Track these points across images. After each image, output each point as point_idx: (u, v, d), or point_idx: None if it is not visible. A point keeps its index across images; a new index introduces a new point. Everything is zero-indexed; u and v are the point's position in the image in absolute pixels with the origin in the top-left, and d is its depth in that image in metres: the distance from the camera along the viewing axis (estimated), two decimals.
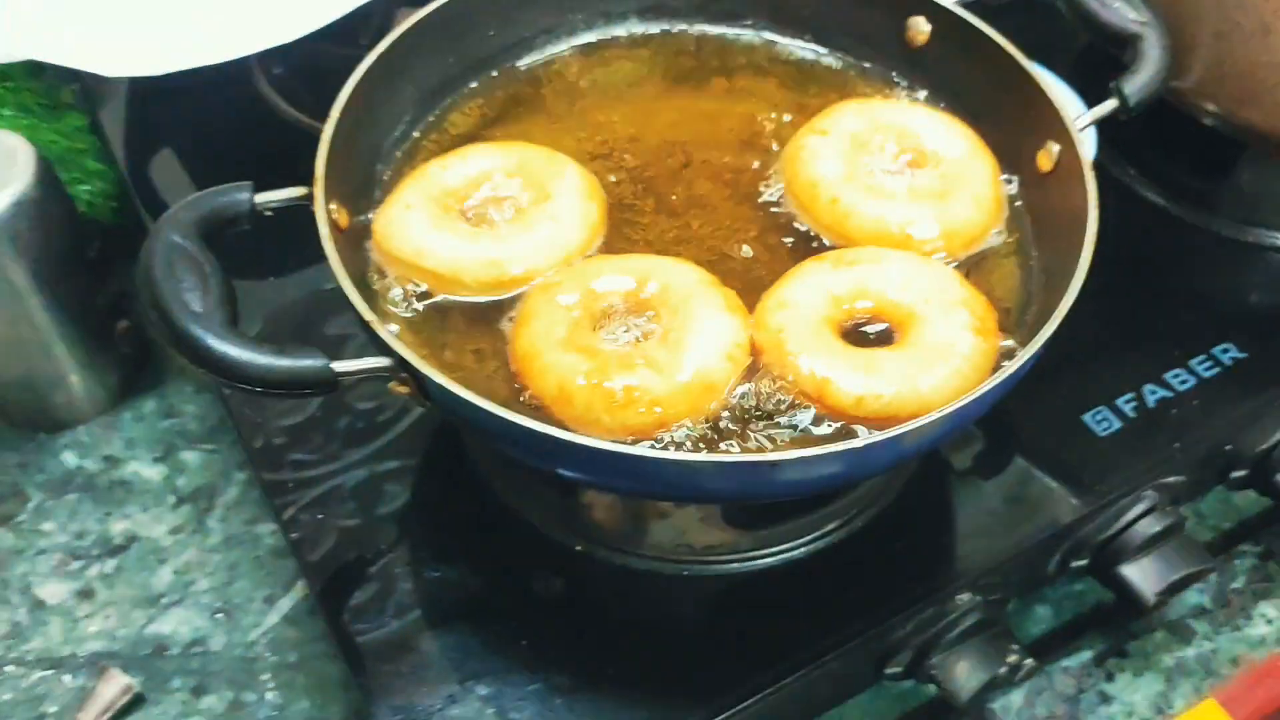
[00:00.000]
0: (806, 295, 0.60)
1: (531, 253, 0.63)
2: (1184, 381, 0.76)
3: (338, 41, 0.79)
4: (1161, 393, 0.75)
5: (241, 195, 0.57)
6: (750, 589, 0.66)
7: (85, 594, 0.77)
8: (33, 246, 0.77)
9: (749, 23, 0.77)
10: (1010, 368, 0.55)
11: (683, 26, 0.78)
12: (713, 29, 0.78)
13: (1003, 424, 0.73)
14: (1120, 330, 0.78)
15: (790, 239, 0.67)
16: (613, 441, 0.52)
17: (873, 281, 0.60)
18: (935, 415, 0.52)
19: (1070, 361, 0.75)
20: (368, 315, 0.54)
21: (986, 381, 0.54)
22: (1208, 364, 0.76)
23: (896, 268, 0.61)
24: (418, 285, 0.63)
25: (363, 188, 0.66)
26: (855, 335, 0.61)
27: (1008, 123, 0.70)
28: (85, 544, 0.79)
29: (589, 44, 0.77)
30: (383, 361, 0.53)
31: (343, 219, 0.62)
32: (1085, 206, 0.61)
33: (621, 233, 0.67)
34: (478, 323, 0.62)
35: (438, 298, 0.63)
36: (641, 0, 0.76)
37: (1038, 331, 0.57)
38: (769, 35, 0.77)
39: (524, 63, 0.75)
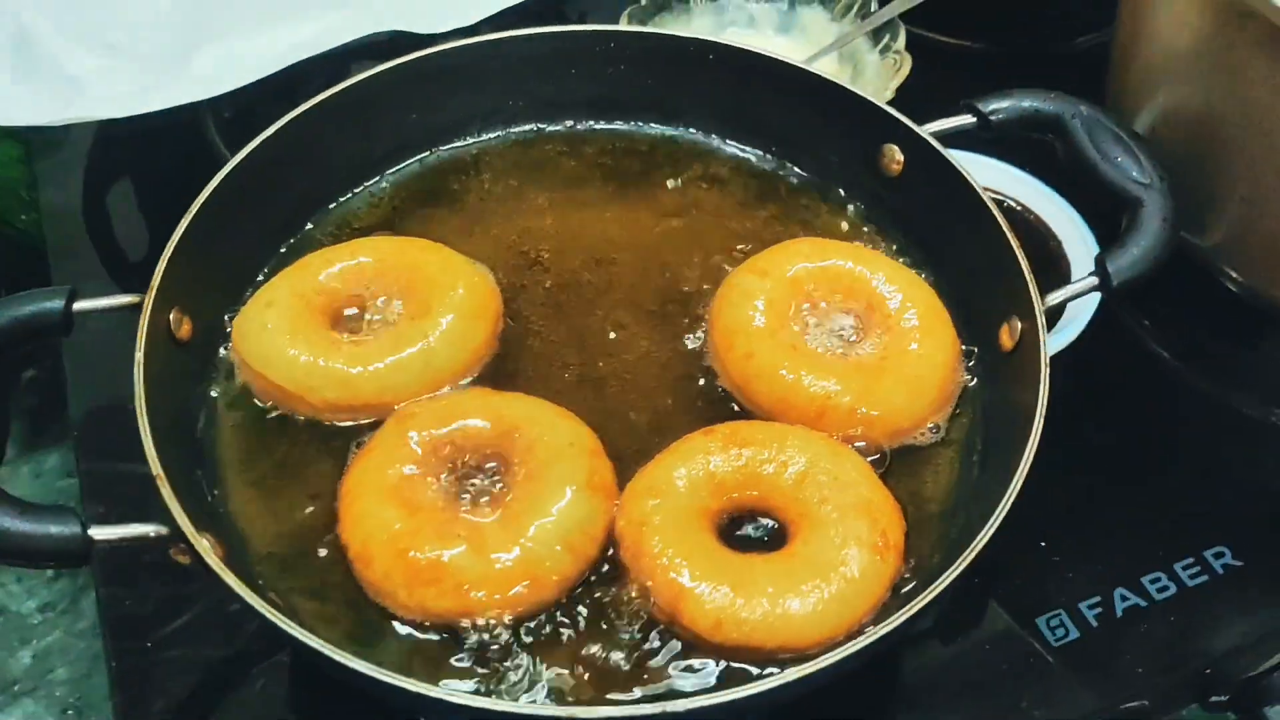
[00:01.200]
0: (684, 479, 0.51)
1: (392, 376, 0.55)
2: (1163, 589, 0.65)
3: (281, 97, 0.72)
4: (1134, 600, 0.65)
5: (53, 304, 0.51)
6: None
7: None
8: None
9: (711, 127, 0.69)
10: (875, 632, 0.46)
11: (636, 124, 0.69)
12: (669, 130, 0.69)
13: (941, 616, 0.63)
14: (1098, 515, 0.68)
15: (705, 399, 0.58)
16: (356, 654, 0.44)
17: (765, 468, 0.52)
18: (737, 694, 0.43)
19: (1031, 546, 0.65)
20: (155, 467, 0.46)
21: (839, 649, 0.45)
22: (1195, 570, 0.66)
23: (795, 454, 0.52)
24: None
25: (229, 286, 0.59)
26: (737, 533, 0.52)
27: (976, 283, 0.60)
28: None
29: (527, 134, 0.69)
30: (152, 530, 0.45)
31: (184, 328, 0.55)
32: (1034, 406, 0.51)
33: (514, 356, 0.60)
34: (324, 442, 0.55)
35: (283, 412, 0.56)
36: (592, 90, 0.68)
37: (950, 562, 0.48)
38: (732, 143, 0.69)
39: (449, 149, 0.68)
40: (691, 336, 0.61)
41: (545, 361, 0.60)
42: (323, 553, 0.52)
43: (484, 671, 0.48)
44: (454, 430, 0.53)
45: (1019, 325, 0.56)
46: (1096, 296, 0.69)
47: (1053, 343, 0.69)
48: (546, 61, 0.67)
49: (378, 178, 0.66)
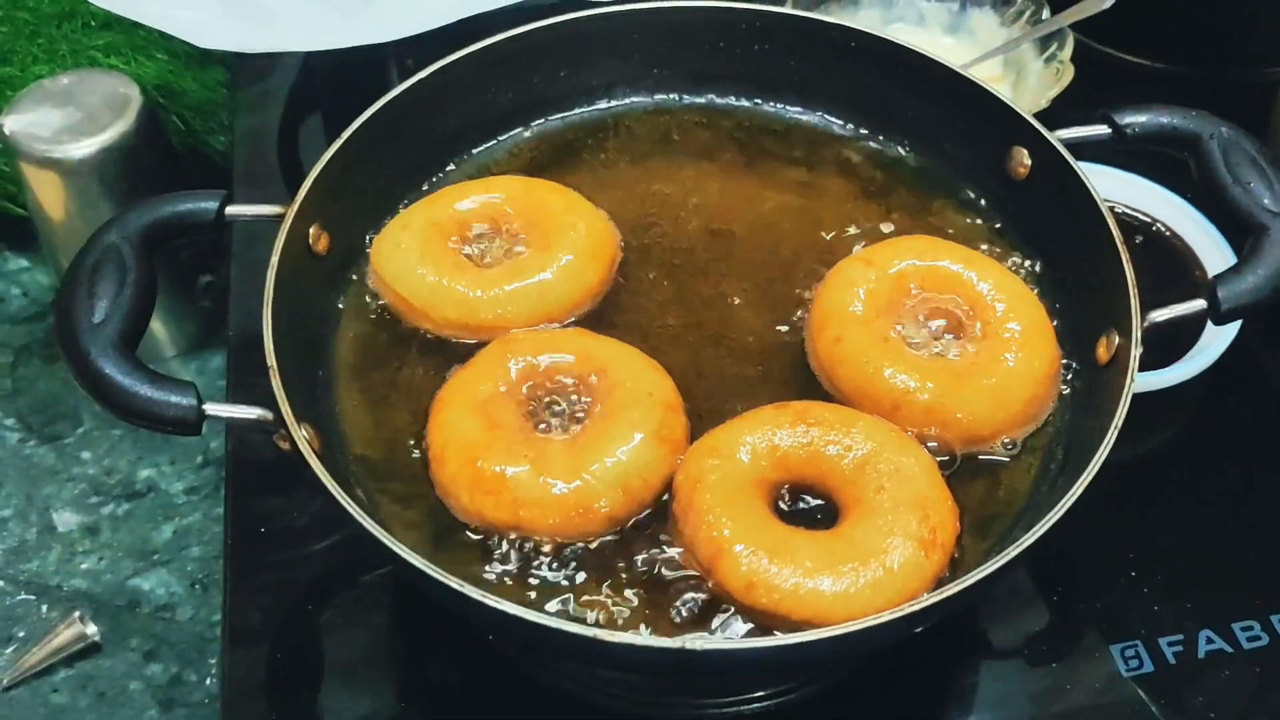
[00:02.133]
0: (749, 446, 0.53)
1: (506, 303, 0.59)
2: (1254, 638, 0.63)
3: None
4: (1220, 644, 0.63)
5: (208, 204, 0.56)
6: None
7: (92, 530, 0.80)
8: (120, 190, 0.80)
9: (847, 115, 0.70)
10: (882, 616, 0.46)
11: (775, 105, 0.71)
12: (806, 113, 0.70)
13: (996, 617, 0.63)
14: (1197, 552, 0.66)
15: (793, 377, 0.60)
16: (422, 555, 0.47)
17: (829, 449, 0.53)
18: (754, 645, 0.46)
19: (1120, 573, 0.64)
20: (270, 359, 0.51)
21: (862, 619, 0.46)
22: None
23: (861, 440, 0.53)
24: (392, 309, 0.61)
25: (370, 211, 0.64)
26: (792, 507, 0.54)
27: (1085, 294, 0.60)
28: (110, 482, 0.82)
29: (669, 103, 0.71)
30: (256, 413, 0.50)
31: (321, 242, 0.60)
32: (1108, 427, 0.51)
33: (620, 306, 0.62)
34: (431, 359, 0.59)
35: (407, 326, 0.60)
36: (741, 67, 0.70)
37: (991, 557, 0.48)
38: (864, 132, 0.70)
39: (593, 109, 0.71)
40: (793, 317, 0.62)
41: (647, 316, 0.62)
42: (413, 457, 0.55)
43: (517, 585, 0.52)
44: (548, 361, 0.56)
45: (1116, 340, 0.55)
46: (1235, 327, 0.68)
47: (1179, 371, 0.68)
48: (697, 34, 0.69)
49: (521, 128, 0.69)
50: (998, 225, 0.65)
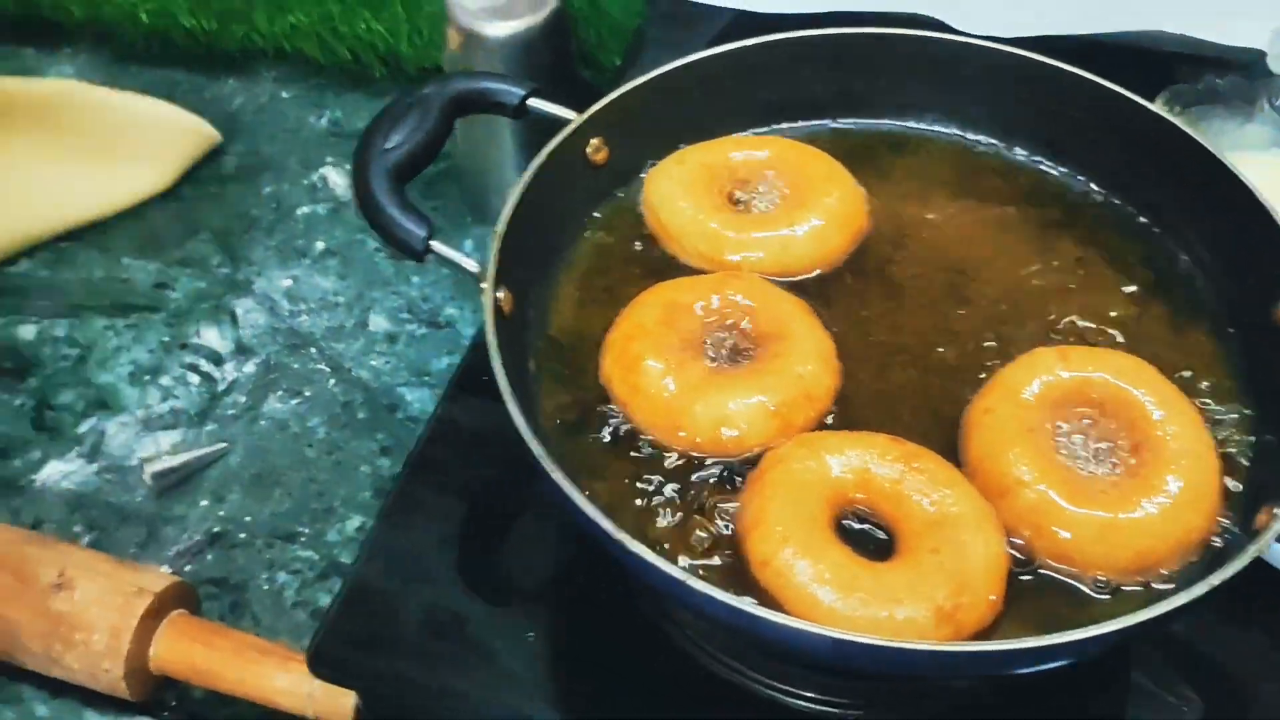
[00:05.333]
0: (844, 458, 0.56)
1: (752, 246, 0.65)
2: None
3: None
4: None
5: (516, 90, 0.66)
6: None
7: (392, 338, 0.95)
8: (515, 73, 0.93)
9: (1149, 212, 0.68)
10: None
11: (1081, 179, 0.70)
12: (1109, 200, 0.70)
13: None
14: None
15: (933, 427, 0.60)
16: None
17: (915, 494, 0.55)
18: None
19: None
20: (500, 226, 0.60)
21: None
22: None
23: (949, 502, 0.54)
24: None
25: (654, 140, 0.71)
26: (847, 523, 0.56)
27: None
28: (423, 307, 0.96)
29: (973, 143, 0.73)
30: (472, 264, 0.60)
31: (600, 154, 0.68)
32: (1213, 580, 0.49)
33: (836, 294, 0.66)
34: (654, 279, 0.65)
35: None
36: (1067, 136, 0.70)
37: None
38: (1157, 232, 0.68)
39: (898, 125, 0.74)
40: (978, 376, 0.62)
41: (853, 314, 0.65)
42: (592, 345, 0.63)
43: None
44: (747, 304, 0.62)
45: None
46: None
47: None
48: (1035, 89, 0.70)
49: (828, 119, 0.74)
50: (1236, 367, 0.62)
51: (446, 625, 0.65)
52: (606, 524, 0.50)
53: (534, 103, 0.66)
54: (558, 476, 0.51)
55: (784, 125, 0.74)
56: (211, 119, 1.09)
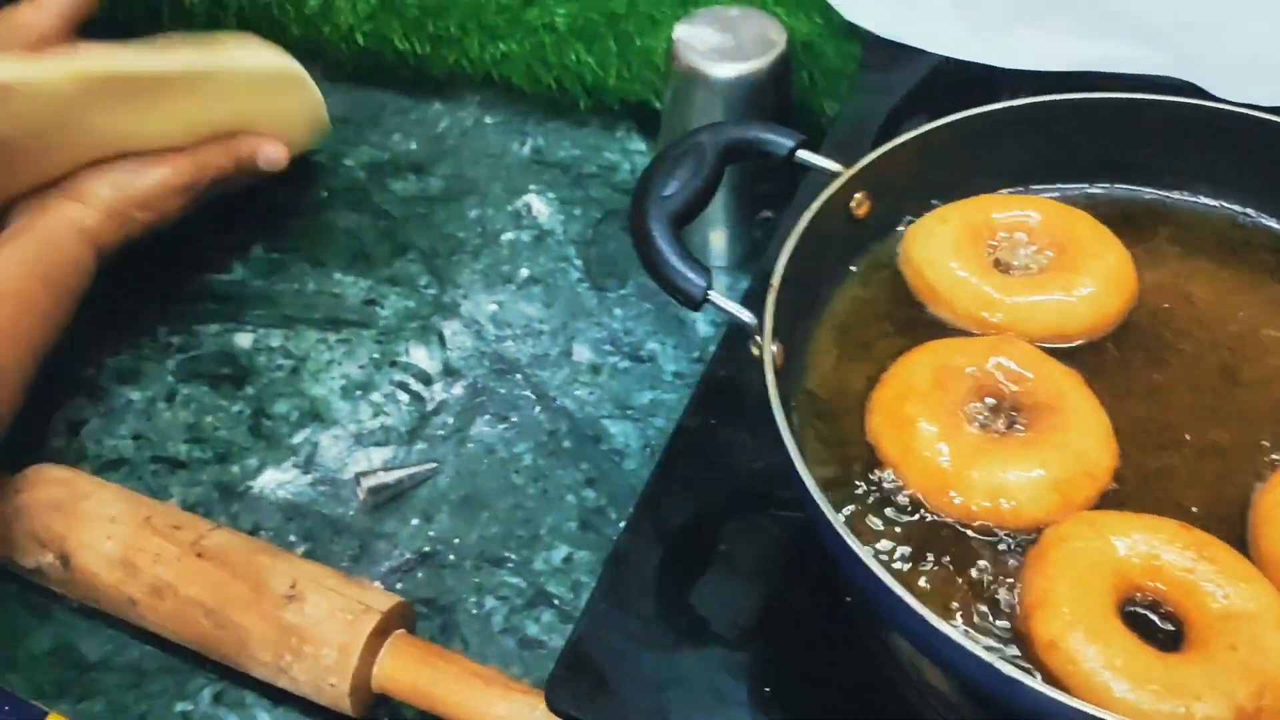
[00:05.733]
0: (1130, 540, 0.55)
1: (1023, 310, 0.65)
2: None
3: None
4: None
5: (785, 141, 0.66)
6: None
7: (595, 369, 0.95)
8: (737, 115, 0.93)
9: None
10: None
11: None
12: None
13: None
14: None
15: (1209, 512, 0.59)
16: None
17: (1207, 585, 0.54)
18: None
19: None
20: (775, 278, 0.60)
21: None
22: None
23: (1244, 598, 0.52)
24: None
25: (915, 196, 0.71)
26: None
27: None
28: (624, 340, 0.97)
29: (1231, 213, 0.71)
30: (747, 315, 0.60)
31: (862, 209, 0.68)
32: None
33: (1102, 366, 0.64)
34: (913, 340, 0.65)
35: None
36: None
37: None
38: None
39: (1158, 194, 0.72)
40: (1263, 460, 0.60)
41: (1119, 384, 0.64)
42: (855, 403, 0.63)
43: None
44: (1020, 373, 0.61)
45: None
46: None
47: None
48: None
49: (1086, 183, 0.73)
50: None
51: (679, 667, 0.65)
52: (907, 597, 0.49)
53: (802, 154, 0.66)
54: (852, 542, 0.51)
55: (1037, 186, 0.73)
56: (417, 141, 1.11)
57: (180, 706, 0.76)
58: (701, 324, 0.97)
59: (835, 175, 0.66)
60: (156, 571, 0.75)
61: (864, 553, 0.51)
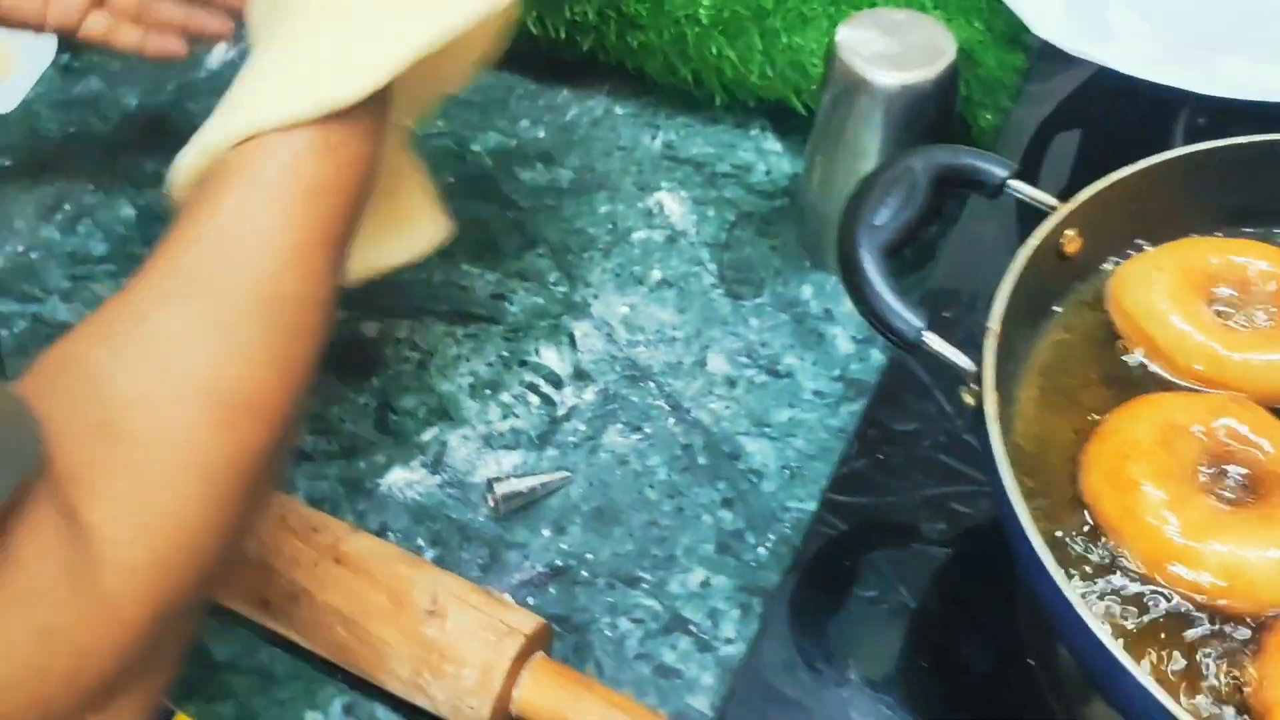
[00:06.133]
0: None
1: (1256, 370, 0.61)
2: None
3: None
4: None
5: (999, 170, 0.62)
6: None
7: (731, 382, 0.92)
8: (898, 124, 0.89)
9: None
10: None
11: None
12: None
13: None
14: None
15: None
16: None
17: None
18: None
19: None
20: (995, 324, 0.56)
21: None
22: None
23: None
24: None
25: (1117, 241, 0.66)
26: None
27: None
28: (761, 353, 0.93)
29: None
30: (965, 361, 0.56)
31: (1070, 246, 0.64)
32: None
33: None
34: (1123, 391, 0.62)
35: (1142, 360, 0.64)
36: None
37: None
38: None
39: None
40: None
41: None
42: (1060, 460, 0.59)
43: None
44: (1252, 436, 0.57)
45: None
46: None
47: None
48: None
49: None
50: None
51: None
52: (1148, 682, 0.45)
53: (1014, 184, 0.62)
54: (1090, 620, 0.47)
55: (1248, 229, 0.69)
56: (546, 129, 1.08)
57: (311, 716, 0.74)
58: (842, 340, 0.93)
59: (1049, 209, 0.61)
60: (294, 576, 0.73)
61: (1102, 632, 0.47)
